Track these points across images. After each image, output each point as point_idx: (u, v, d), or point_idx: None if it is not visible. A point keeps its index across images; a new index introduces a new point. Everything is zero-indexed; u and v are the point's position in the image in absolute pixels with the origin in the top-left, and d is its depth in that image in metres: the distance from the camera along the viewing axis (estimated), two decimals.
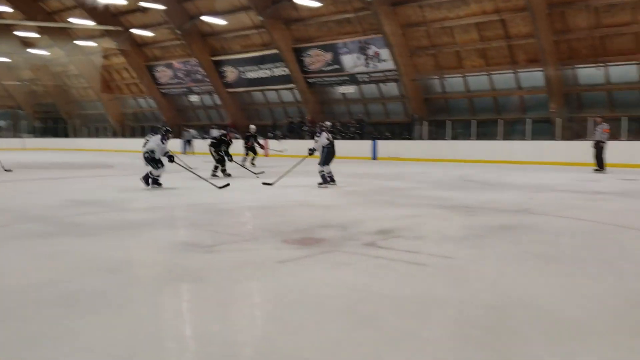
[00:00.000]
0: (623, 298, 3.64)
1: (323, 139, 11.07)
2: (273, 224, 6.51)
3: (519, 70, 21.78)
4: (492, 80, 22.81)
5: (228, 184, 10.95)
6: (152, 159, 10.57)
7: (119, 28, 31.57)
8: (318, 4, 23.16)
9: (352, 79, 26.37)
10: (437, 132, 23.69)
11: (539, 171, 15.47)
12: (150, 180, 10.64)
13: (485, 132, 22.48)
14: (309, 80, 27.81)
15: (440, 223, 6.76)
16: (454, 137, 23.07)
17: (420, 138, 23.66)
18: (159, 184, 10.71)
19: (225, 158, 13.65)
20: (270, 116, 31.15)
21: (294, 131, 27.42)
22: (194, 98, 34.55)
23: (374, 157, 22.81)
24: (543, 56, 20.05)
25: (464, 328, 3.14)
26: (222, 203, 8.68)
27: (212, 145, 13.73)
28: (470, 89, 23.62)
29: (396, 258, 4.81)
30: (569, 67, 20.60)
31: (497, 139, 21.21)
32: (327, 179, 10.96)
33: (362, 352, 2.81)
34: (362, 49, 25.09)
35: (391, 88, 25.74)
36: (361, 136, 25.14)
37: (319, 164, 11.05)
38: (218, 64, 31.02)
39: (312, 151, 11.38)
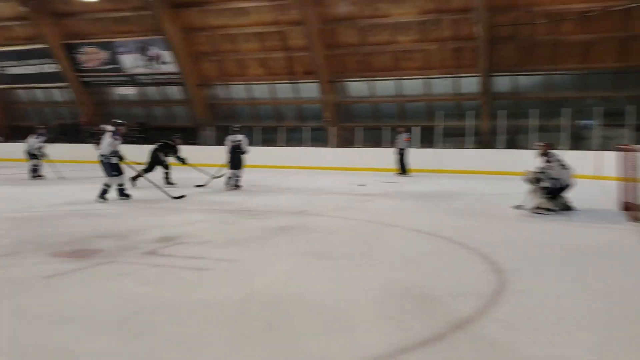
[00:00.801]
0: (383, 288, 4.11)
1: (228, 142, 11.62)
2: (39, 236, 5.90)
3: (296, 81, 23.16)
4: (273, 89, 23.85)
5: (184, 195, 9.75)
6: (109, 165, 9.04)
7: None
8: None
9: (133, 80, 25.21)
10: (223, 138, 23.84)
11: (316, 175, 16.59)
12: (107, 193, 9.06)
13: (268, 138, 23.41)
14: (84, 79, 25.82)
15: (224, 227, 6.85)
16: None
17: (206, 143, 23.64)
18: (127, 195, 9.37)
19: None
20: (39, 117, 28.11)
21: (67, 133, 25.16)
22: None
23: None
24: (317, 69, 21.62)
25: (243, 327, 3.25)
26: None
27: (159, 150, 12.67)
28: (253, 97, 24.37)
29: (178, 265, 4.75)
30: (340, 80, 22.56)
31: (279, 146, 22.21)
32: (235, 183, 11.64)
33: None
34: (143, 50, 24.16)
35: (175, 91, 25.25)
36: (144, 140, 24.13)
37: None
38: None
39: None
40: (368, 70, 21.92)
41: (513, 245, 5.80)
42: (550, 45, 19.07)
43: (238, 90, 24.55)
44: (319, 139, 22.27)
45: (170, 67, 23.90)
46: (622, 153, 8.52)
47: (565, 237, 6.37)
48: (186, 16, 22.75)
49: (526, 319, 3.46)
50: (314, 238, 6.13)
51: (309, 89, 23.06)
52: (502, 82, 20.51)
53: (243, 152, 12.07)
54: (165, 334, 3.11)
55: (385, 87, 22.18)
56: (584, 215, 7.98)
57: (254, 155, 21.28)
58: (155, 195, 10.12)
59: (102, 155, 9.19)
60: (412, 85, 21.75)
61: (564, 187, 8.27)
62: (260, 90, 24.17)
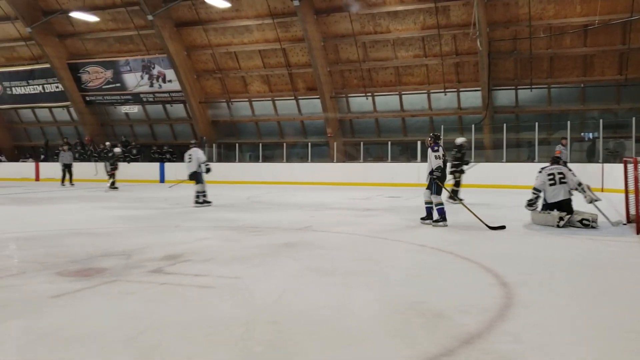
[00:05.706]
0: (389, 303, 4.12)
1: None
2: (45, 256, 5.92)
3: (299, 97, 23.30)
4: (275, 106, 23.99)
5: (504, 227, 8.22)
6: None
7: None
8: (95, 19, 21.94)
9: (136, 99, 25.40)
10: (226, 155, 24.03)
11: (319, 191, 16.63)
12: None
13: (271, 154, 23.54)
14: (88, 99, 26.01)
15: (228, 244, 6.86)
16: (242, 160, 23.67)
17: (210, 160, 23.71)
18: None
19: None
20: (42, 136, 28.34)
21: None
22: None
23: (162, 180, 22.17)
24: (319, 85, 21.77)
25: (249, 346, 3.25)
26: None
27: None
28: (256, 113, 24.51)
29: (184, 283, 4.76)
30: (342, 96, 22.68)
31: (281, 162, 22.29)
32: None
33: None
34: (146, 68, 24.37)
35: (178, 109, 25.42)
36: (145, 158, 24.32)
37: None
38: None
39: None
40: (370, 86, 22.06)
41: (518, 259, 5.80)
42: (550, 59, 19.19)
43: (240, 107, 24.70)
44: (321, 155, 22.35)
45: (173, 85, 24.08)
46: (628, 165, 8.50)
47: (570, 251, 6.36)
48: (189, 35, 23.00)
49: (534, 333, 3.44)
50: (318, 254, 6.13)
51: (311, 105, 23.18)
52: (503, 96, 20.59)
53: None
54: (171, 354, 3.10)
55: (387, 102, 22.29)
56: (590, 228, 7.96)
57: (257, 171, 21.62)
58: (157, 213, 10.12)
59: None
60: (414, 100, 21.85)
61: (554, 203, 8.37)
62: (262, 107, 24.31)
